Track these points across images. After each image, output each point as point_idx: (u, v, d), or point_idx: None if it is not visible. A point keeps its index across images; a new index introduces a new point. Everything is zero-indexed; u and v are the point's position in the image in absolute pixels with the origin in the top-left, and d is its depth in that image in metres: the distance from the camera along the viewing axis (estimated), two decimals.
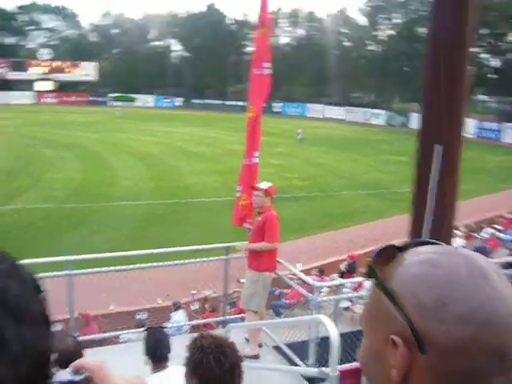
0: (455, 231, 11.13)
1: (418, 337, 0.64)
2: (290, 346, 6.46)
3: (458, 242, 12.12)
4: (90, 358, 0.82)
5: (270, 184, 6.28)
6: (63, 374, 0.75)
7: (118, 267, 6.45)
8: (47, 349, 0.61)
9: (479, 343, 0.62)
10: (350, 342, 6.11)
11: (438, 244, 0.75)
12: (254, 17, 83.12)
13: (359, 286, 11.02)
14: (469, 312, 0.63)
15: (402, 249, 0.74)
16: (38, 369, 0.59)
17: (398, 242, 0.78)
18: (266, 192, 6.16)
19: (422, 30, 68.31)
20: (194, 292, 11.94)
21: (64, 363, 0.77)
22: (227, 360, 2.42)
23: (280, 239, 6.36)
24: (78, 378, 0.74)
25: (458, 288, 0.64)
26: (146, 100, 76.71)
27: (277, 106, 69.78)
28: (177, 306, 10.35)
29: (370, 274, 0.74)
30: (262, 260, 6.19)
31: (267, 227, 6.12)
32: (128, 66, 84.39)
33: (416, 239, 0.76)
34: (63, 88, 75.79)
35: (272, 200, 6.22)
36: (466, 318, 0.62)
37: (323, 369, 4.06)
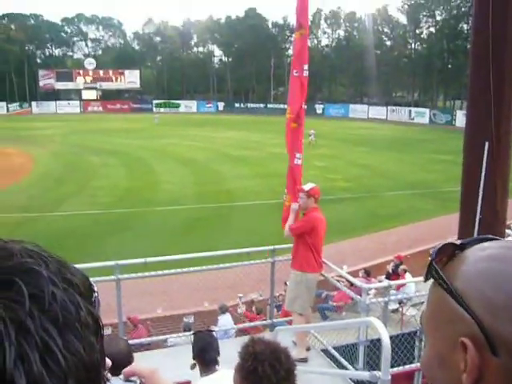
0: (506, 230, 10.82)
1: (489, 338, 0.59)
2: (337, 349, 6.38)
3: None
4: (140, 361, 0.80)
5: (312, 185, 6.20)
6: (115, 381, 0.72)
7: (165, 271, 6.49)
8: (98, 358, 0.57)
9: None
10: (399, 344, 6.01)
11: (501, 240, 0.70)
12: (293, 19, 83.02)
13: (401, 286, 10.90)
14: None
15: (463, 246, 0.70)
16: (89, 380, 0.55)
17: (457, 240, 0.73)
18: (308, 193, 6.10)
19: (465, 27, 67.02)
20: (240, 295, 11.96)
21: (117, 367, 0.74)
22: (282, 367, 2.36)
23: (323, 242, 6.30)
24: None
25: None
26: (188, 106, 77.57)
27: (319, 108, 69.47)
28: (223, 309, 10.38)
29: (430, 273, 0.69)
30: (304, 260, 6.15)
31: (301, 220, 6.23)
32: (170, 73, 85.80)
33: (477, 236, 0.72)
34: (108, 96, 77.67)
35: (316, 201, 6.15)
36: None
37: (375, 372, 3.97)
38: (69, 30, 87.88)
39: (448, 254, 0.70)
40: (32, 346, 0.50)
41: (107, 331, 9.01)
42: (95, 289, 0.62)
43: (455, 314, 0.64)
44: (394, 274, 12.26)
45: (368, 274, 12.16)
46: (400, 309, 11.39)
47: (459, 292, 0.64)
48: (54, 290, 0.53)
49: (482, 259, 0.65)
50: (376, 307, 7.29)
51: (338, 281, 7.74)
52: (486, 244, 0.68)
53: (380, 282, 10.40)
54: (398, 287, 10.83)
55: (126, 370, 0.75)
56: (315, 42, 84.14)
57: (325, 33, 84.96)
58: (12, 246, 0.55)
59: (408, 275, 11.79)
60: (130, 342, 5.77)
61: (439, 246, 0.70)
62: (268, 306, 8.20)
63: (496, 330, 0.59)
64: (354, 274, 11.51)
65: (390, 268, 12.84)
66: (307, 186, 6.19)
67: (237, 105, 77.66)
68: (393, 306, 10.74)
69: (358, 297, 5.98)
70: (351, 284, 7.37)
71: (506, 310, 0.59)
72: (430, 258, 0.70)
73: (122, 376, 0.75)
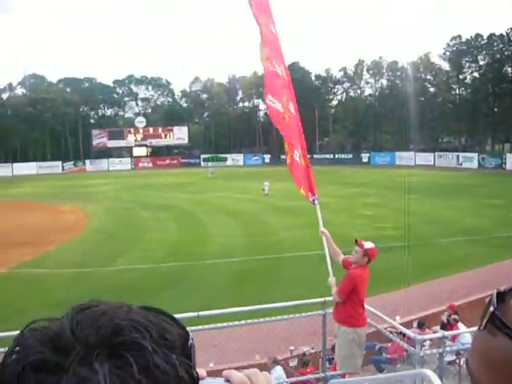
0: None
1: None
2: None
3: None
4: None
5: (372, 245, 6.23)
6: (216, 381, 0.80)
7: (216, 325, 6.57)
8: None
9: None
10: None
11: None
12: (336, 71, 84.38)
13: (457, 337, 10.57)
14: None
15: None
16: None
17: None
18: (366, 252, 6.16)
19: (509, 70, 66.59)
20: (292, 348, 11.84)
21: None
22: None
23: (365, 295, 6.31)
24: None
25: None
26: (235, 159, 78.77)
27: (364, 157, 69.42)
28: (275, 362, 10.29)
29: (493, 323, 0.65)
30: (353, 316, 6.15)
31: (343, 281, 6.21)
32: (217, 128, 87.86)
33: None
34: (157, 152, 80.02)
35: (369, 262, 6.18)
36: None
37: None
38: (120, 91, 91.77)
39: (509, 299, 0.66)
40: None
41: None
42: (190, 335, 0.74)
43: None
44: (448, 324, 11.93)
45: (421, 325, 11.86)
46: (457, 360, 11.02)
47: None
48: (156, 360, 0.64)
49: None
50: (432, 359, 7.14)
51: (391, 332, 7.62)
52: None
53: (435, 332, 10.14)
54: (453, 338, 10.52)
55: (226, 371, 0.82)
56: (358, 92, 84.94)
57: (367, 83, 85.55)
58: (120, 322, 0.66)
59: (460, 325, 11.46)
60: None
61: (499, 291, 0.67)
62: (320, 359, 8.10)
63: None
64: (408, 324, 11.27)
65: (444, 318, 12.50)
66: (368, 244, 6.23)
67: (283, 156, 77.90)
68: (449, 357, 10.41)
69: (412, 348, 5.90)
70: (404, 335, 7.26)
71: None
72: (491, 309, 0.66)
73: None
